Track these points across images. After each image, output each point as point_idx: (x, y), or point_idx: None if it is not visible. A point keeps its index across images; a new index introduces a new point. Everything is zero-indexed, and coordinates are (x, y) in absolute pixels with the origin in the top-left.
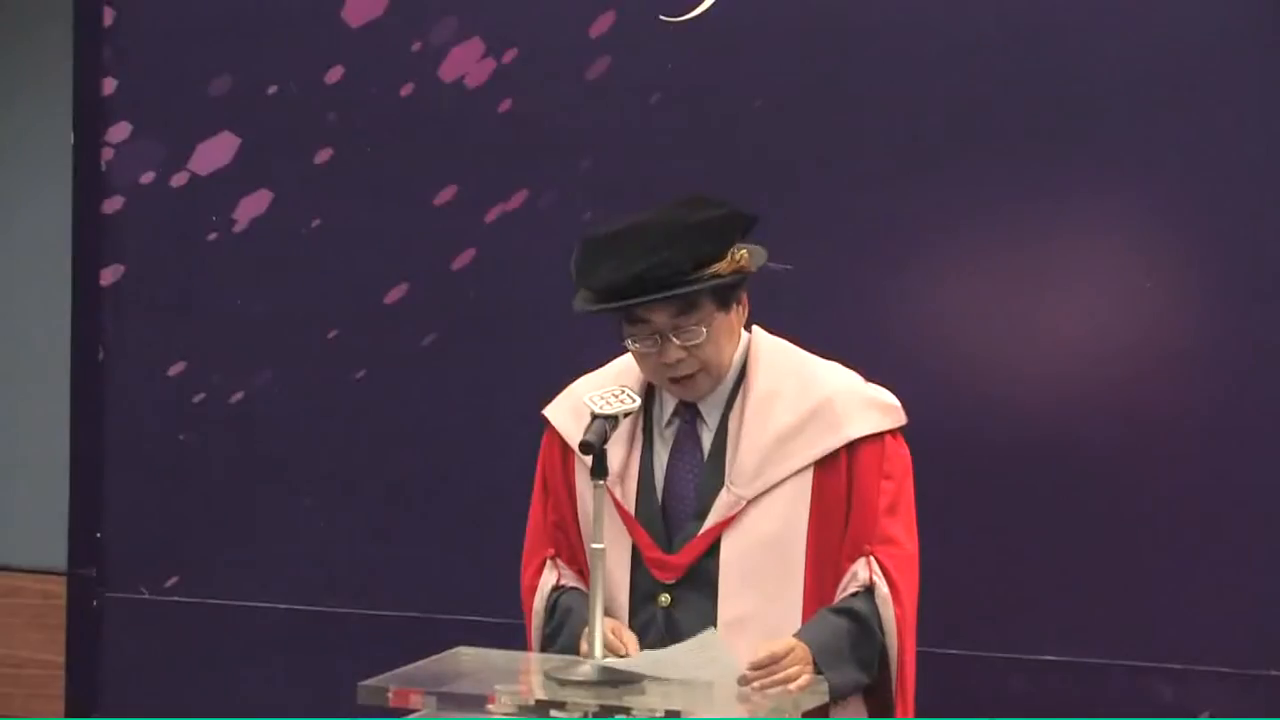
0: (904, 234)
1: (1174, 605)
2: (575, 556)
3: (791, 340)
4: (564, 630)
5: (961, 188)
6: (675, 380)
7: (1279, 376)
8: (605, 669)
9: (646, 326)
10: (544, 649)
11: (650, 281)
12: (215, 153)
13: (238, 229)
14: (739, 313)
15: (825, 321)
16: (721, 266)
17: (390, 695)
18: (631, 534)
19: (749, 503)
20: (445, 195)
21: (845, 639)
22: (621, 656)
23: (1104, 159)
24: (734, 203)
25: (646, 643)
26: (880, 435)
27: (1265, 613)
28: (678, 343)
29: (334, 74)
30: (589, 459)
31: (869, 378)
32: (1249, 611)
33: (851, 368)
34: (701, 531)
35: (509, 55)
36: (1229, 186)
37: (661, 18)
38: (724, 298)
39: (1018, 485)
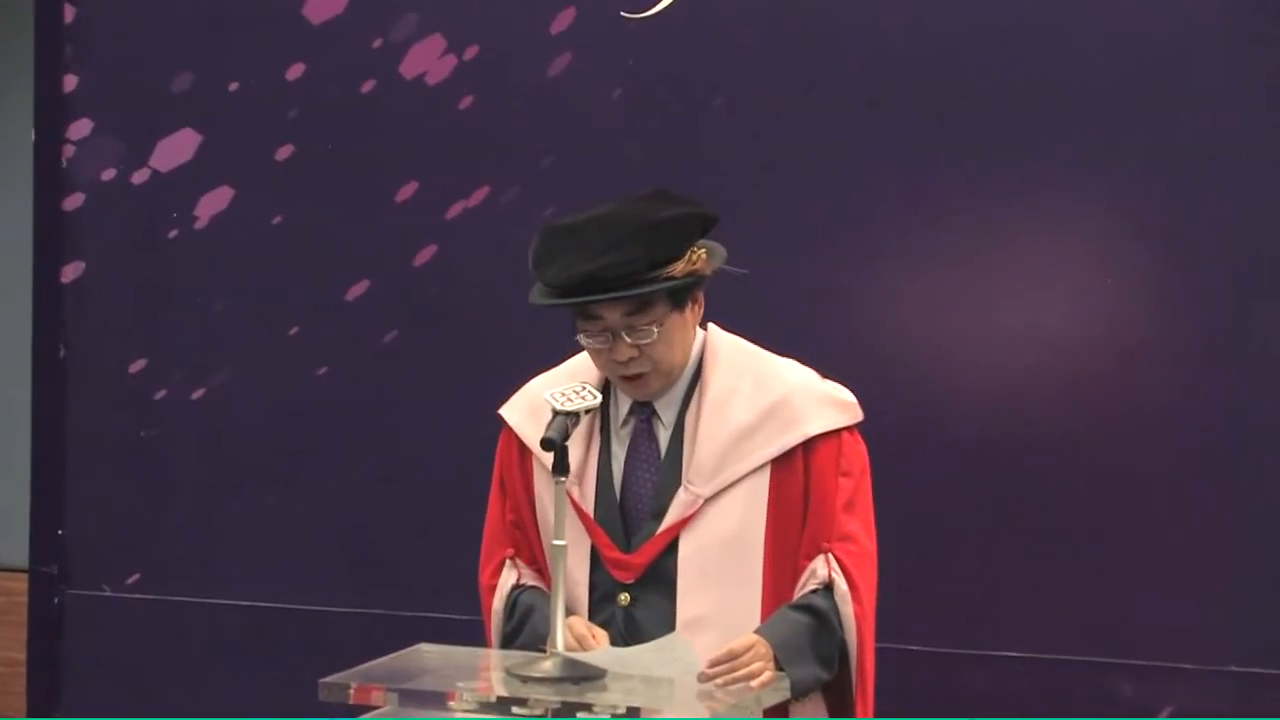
0: (864, 231)
1: (1135, 601)
2: (534, 556)
3: (748, 338)
4: (525, 628)
5: (922, 186)
6: (626, 378)
7: (1240, 372)
8: (567, 665)
9: (599, 323)
10: (505, 648)
11: (604, 280)
12: (176, 150)
13: (199, 226)
14: (694, 311)
15: (782, 319)
16: (678, 267)
17: (352, 692)
18: (590, 534)
19: (706, 501)
20: (406, 192)
21: (805, 635)
22: (589, 650)
23: (1066, 157)
24: (696, 201)
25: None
26: (837, 432)
27: (1225, 609)
28: (630, 341)
29: (295, 71)
30: (549, 456)
31: (826, 375)
32: (1209, 608)
33: (808, 365)
34: (659, 531)
35: (470, 52)
36: (1191, 184)
37: (623, 15)
38: (678, 298)
39: (977, 482)
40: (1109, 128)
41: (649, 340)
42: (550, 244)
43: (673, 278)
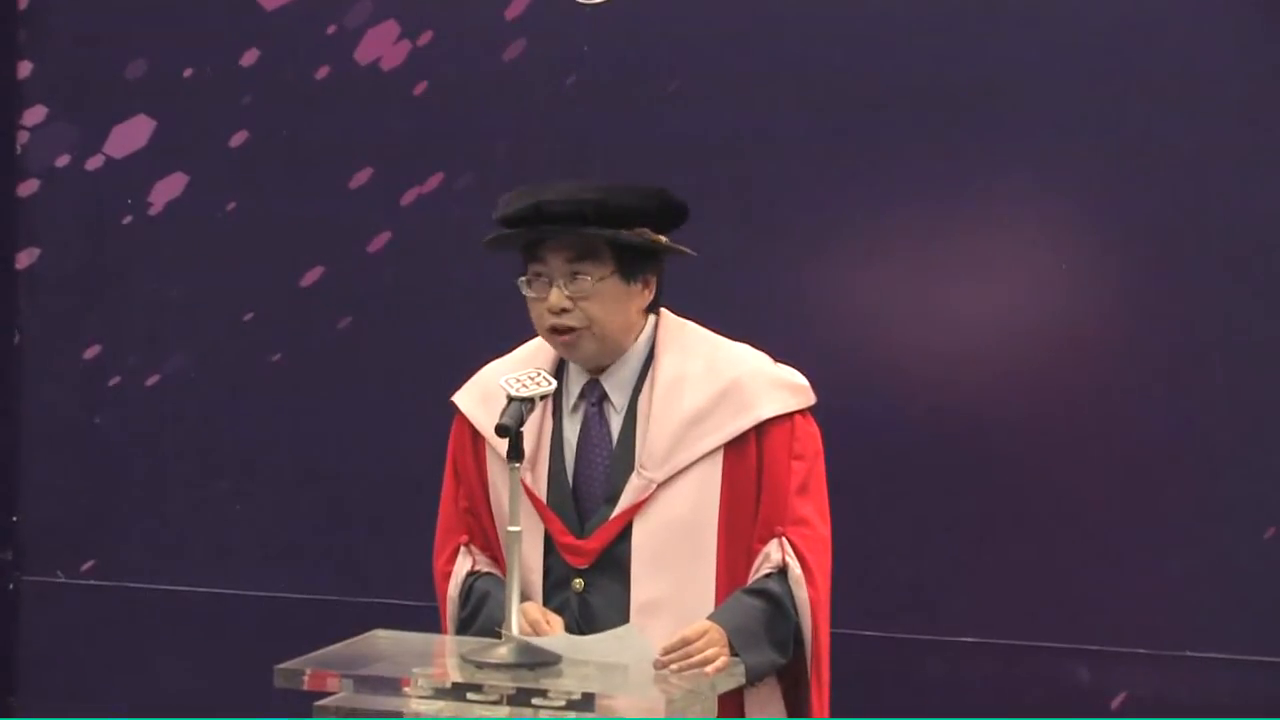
0: (817, 217)
1: (1090, 586)
2: (488, 543)
3: (700, 322)
4: (480, 615)
5: (876, 170)
6: (557, 331)
7: (1190, 359)
8: (522, 651)
9: (542, 266)
10: (459, 634)
11: (552, 214)
12: (130, 136)
13: (153, 212)
14: (642, 293)
15: (736, 304)
16: (629, 233)
17: (306, 678)
18: (543, 519)
19: (659, 486)
20: (361, 178)
21: (760, 620)
22: (543, 636)
23: (1019, 142)
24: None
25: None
26: (790, 415)
27: (1181, 594)
28: (567, 291)
29: (249, 57)
30: (503, 443)
31: (779, 359)
32: (1165, 593)
33: (761, 349)
34: (612, 516)
35: (424, 38)
36: (1142, 171)
37: (577, 0)
38: (627, 265)
39: (932, 466)
40: (1062, 114)
41: (584, 294)
42: (514, 193)
43: (620, 234)
